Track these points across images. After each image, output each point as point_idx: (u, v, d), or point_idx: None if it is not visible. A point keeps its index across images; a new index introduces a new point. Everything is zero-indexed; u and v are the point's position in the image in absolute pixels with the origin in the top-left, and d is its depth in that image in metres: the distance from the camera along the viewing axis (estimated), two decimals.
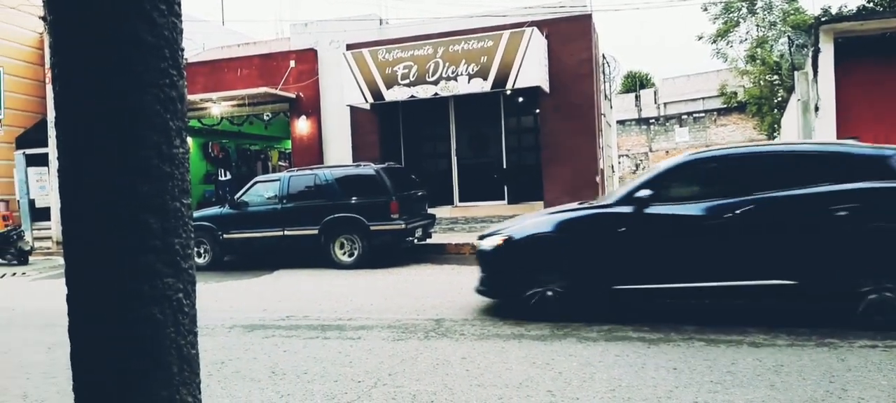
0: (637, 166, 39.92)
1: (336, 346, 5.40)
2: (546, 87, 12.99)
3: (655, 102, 44.70)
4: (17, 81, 17.48)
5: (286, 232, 10.65)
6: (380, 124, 14.66)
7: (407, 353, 5.07)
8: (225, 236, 10.99)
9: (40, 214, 17.14)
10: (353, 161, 13.94)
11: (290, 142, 16.64)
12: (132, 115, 1.12)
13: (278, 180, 11.10)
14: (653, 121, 40.60)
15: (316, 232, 10.39)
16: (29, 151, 17.46)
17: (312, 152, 15.26)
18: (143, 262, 1.14)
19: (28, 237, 14.64)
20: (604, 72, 17.99)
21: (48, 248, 15.85)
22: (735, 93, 33.20)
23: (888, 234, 5.10)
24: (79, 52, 1.12)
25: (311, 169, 11.30)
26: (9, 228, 14.33)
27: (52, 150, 16.66)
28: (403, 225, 10.10)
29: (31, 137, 17.71)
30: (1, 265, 13.33)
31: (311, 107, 15.32)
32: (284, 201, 10.73)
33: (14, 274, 12.02)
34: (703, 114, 38.72)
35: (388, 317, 6.39)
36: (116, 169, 1.12)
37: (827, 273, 5.22)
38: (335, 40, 15.13)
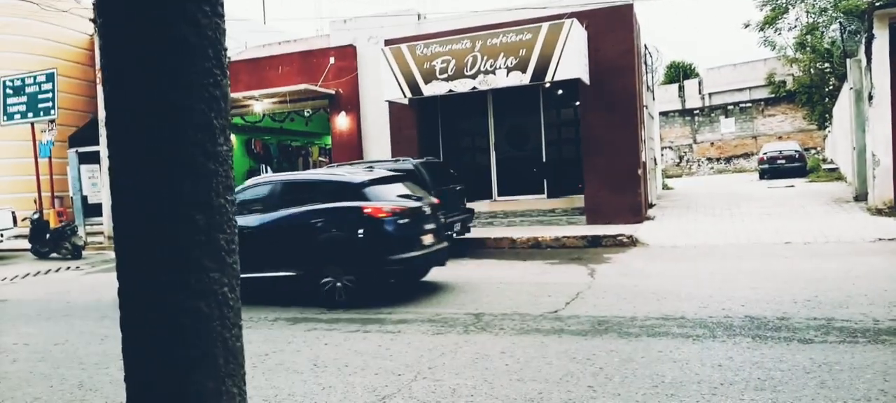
0: (681, 158, 39.11)
1: (376, 339, 5.46)
2: (586, 79, 12.82)
3: (700, 93, 43.65)
4: (69, 82, 18.14)
5: None
6: (418, 119, 14.71)
7: (446, 347, 5.09)
8: None
9: (92, 210, 17.78)
10: (393, 156, 14.02)
11: (330, 137, 16.84)
12: (178, 114, 1.15)
13: None
14: (697, 112, 39.68)
15: None
16: (81, 149, 18.12)
17: (352, 147, 15.41)
18: (189, 257, 1.17)
19: (81, 232, 15.21)
20: (646, 63, 17.64)
21: (100, 243, 16.42)
22: (784, 82, 32.13)
23: (338, 240, 7.16)
24: (127, 53, 1.15)
25: (351, 164, 11.41)
26: (63, 224, 14.90)
27: (102, 148, 17.27)
28: (442, 220, 10.12)
29: (82, 136, 18.38)
30: (56, 259, 13.88)
31: (350, 102, 15.47)
32: None
33: (68, 267, 12.51)
34: (749, 104, 37.66)
35: (428, 311, 6.42)
36: (163, 166, 1.15)
37: (312, 266, 7.19)
38: (374, 36, 15.23)
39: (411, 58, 13.08)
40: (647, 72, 17.86)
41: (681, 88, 44.53)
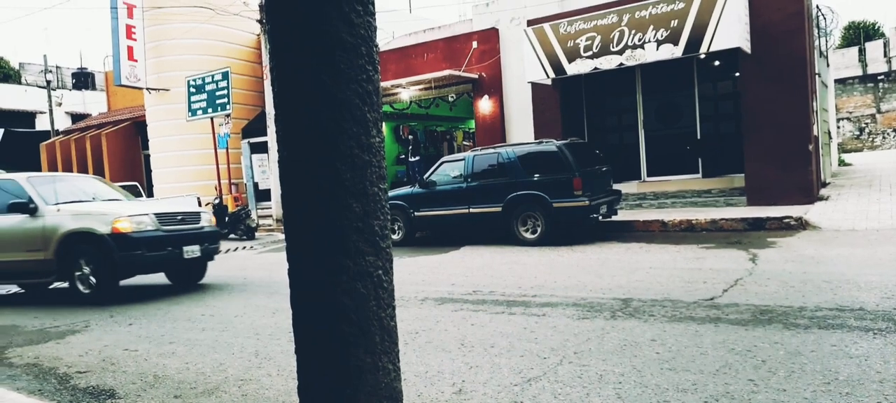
0: (861, 131, 34.95)
1: (521, 322, 5.49)
2: (747, 48, 11.82)
3: (885, 55, 38.49)
4: (240, 78, 20.03)
5: (472, 210, 11.00)
6: (562, 99, 14.45)
7: (593, 332, 5.00)
8: (416, 214, 11.65)
9: (262, 195, 19.58)
10: (535, 138, 13.92)
11: (473, 121, 17.08)
12: (337, 109, 1.24)
13: (463, 159, 11.47)
14: (882, 77, 35.17)
15: (499, 209, 10.59)
16: (252, 140, 19.97)
17: (495, 131, 15.52)
18: (347, 241, 1.27)
19: (254, 215, 16.82)
20: (818, 27, 15.90)
21: (269, 225, 18.06)
22: None
23: None
24: (291, 54, 1.26)
25: (494, 147, 11.52)
26: (239, 208, 16.57)
27: (271, 139, 18.88)
28: (587, 202, 9.91)
29: (253, 128, 20.24)
30: (233, 239, 15.49)
31: (493, 86, 15.57)
32: (469, 180, 11.08)
33: (244, 247, 13.90)
34: None
35: (573, 295, 6.34)
36: (325, 157, 1.25)
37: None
38: (516, 18, 15.16)
39: (554, 37, 12.86)
40: (819, 36, 16.09)
41: (861, 51, 39.60)
